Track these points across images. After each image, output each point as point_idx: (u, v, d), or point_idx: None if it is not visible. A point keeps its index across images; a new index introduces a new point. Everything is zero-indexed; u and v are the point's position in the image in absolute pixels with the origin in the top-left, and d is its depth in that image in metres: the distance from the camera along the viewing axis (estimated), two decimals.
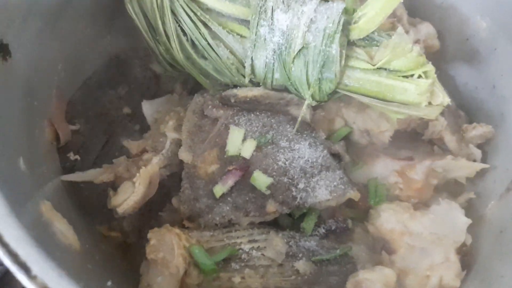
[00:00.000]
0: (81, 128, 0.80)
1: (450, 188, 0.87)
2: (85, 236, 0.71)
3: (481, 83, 0.91)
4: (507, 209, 0.78)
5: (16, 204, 0.48)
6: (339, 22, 0.68)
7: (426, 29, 0.94)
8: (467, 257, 0.76)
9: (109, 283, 0.58)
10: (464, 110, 0.93)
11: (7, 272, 0.78)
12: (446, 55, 0.97)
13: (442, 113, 0.89)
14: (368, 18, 0.67)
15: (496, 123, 0.87)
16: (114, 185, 0.75)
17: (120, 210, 0.71)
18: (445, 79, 0.97)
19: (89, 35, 0.84)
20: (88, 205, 0.75)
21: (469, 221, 0.78)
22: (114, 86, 0.88)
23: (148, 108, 0.83)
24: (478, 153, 0.87)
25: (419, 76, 0.67)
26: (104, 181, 0.73)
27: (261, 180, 0.74)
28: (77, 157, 0.75)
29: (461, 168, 0.84)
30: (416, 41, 0.90)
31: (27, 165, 0.58)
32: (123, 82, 0.89)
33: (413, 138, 0.91)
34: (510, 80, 0.85)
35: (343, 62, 0.69)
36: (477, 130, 0.87)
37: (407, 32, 0.91)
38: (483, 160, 0.87)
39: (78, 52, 0.82)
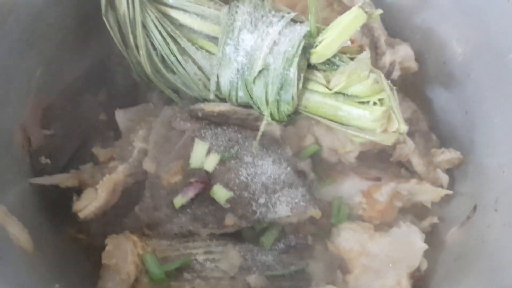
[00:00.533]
0: (56, 132, 0.83)
1: (416, 211, 0.87)
2: (51, 238, 0.75)
3: (455, 107, 0.91)
4: (465, 237, 0.78)
5: None
6: (299, 45, 0.69)
7: (404, 50, 0.93)
8: (420, 282, 0.77)
9: (56, 286, 0.61)
10: (437, 133, 0.93)
11: None
12: (426, 77, 0.97)
13: (413, 136, 0.91)
14: (326, 44, 0.68)
15: (466, 149, 0.87)
16: (78, 191, 0.78)
17: (81, 215, 0.74)
18: (424, 101, 0.98)
19: (71, 42, 0.86)
20: (57, 208, 0.79)
21: (425, 246, 0.78)
22: (95, 92, 0.92)
23: (121, 116, 0.86)
24: (445, 178, 0.87)
25: (374, 103, 0.68)
26: (69, 186, 0.76)
27: (220, 193, 0.77)
28: (48, 161, 0.79)
29: (426, 192, 0.84)
30: (391, 63, 0.91)
31: None
32: (103, 88, 0.93)
33: (384, 158, 0.91)
34: (481, 107, 0.84)
35: (300, 85, 0.70)
36: (445, 155, 0.87)
37: (383, 53, 0.92)
38: (450, 185, 0.87)
39: (58, 58, 0.84)
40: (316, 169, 0.88)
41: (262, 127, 0.74)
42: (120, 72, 0.94)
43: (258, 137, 0.75)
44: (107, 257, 0.70)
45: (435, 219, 0.85)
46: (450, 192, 0.83)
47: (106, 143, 0.86)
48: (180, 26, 0.79)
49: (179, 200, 0.76)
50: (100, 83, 0.93)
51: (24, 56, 0.76)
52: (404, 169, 0.89)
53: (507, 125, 0.78)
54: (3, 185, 0.68)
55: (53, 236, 0.77)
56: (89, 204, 0.74)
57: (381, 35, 0.93)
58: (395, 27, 0.97)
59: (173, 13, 0.79)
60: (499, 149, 0.78)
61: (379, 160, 0.90)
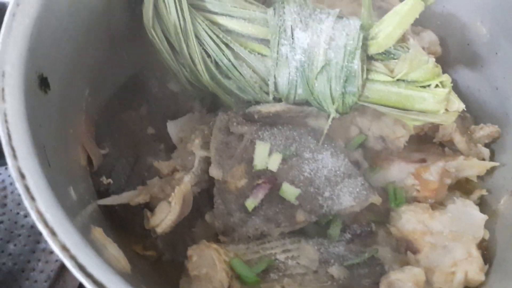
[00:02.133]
0: (109, 151, 0.82)
1: (462, 187, 0.92)
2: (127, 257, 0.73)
3: (483, 85, 0.97)
4: None
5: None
6: (358, 38, 0.72)
7: (429, 37, 0.98)
8: (487, 251, 0.81)
9: None
10: (468, 112, 0.98)
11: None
12: (448, 60, 1.02)
13: None
14: (386, 34, 0.71)
15: (501, 122, 0.92)
16: (148, 206, 0.77)
17: (159, 229, 0.73)
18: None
19: (109, 58, 0.85)
20: (123, 227, 0.77)
21: (485, 216, 0.82)
22: (135, 107, 0.90)
23: (172, 127, 0.86)
24: (486, 152, 0.92)
25: (436, 86, 0.72)
26: (140, 202, 0.75)
27: (290, 191, 0.78)
28: (110, 180, 0.77)
29: (473, 167, 0.89)
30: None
31: (76, 193, 0.60)
32: (144, 103, 0.91)
33: (424, 141, 0.95)
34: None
35: (364, 76, 0.73)
36: (484, 130, 0.92)
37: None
38: (491, 158, 0.92)
39: (100, 76, 0.83)
40: (365, 158, 0.90)
41: (330, 121, 0.76)
42: (155, 84, 0.94)
43: (325, 131, 0.77)
44: (196, 268, 0.69)
45: (483, 192, 0.89)
46: (496, 164, 0.88)
47: (159, 156, 0.85)
48: (228, 31, 0.80)
49: (251, 202, 0.77)
50: (139, 98, 0.92)
51: (77, 74, 0.75)
52: (447, 148, 0.93)
53: None
54: (80, 210, 0.67)
55: (126, 257, 0.75)
56: (165, 218, 0.73)
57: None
58: None
59: (220, 19, 0.80)
60: None
61: (420, 142, 0.94)
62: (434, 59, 0.72)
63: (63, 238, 0.45)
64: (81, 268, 0.44)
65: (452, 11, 0.98)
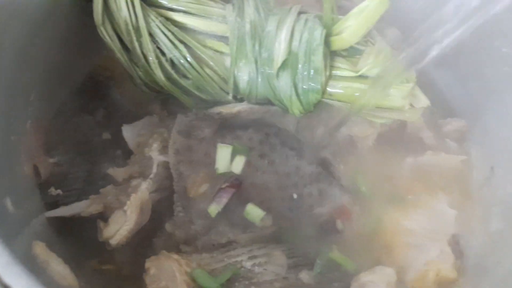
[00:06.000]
0: (60, 159, 0.76)
1: (433, 182, 0.90)
2: (77, 273, 0.67)
3: (450, 80, 0.96)
4: (488, 197, 0.82)
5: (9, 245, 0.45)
6: (321, 34, 0.69)
7: (393, 33, 0.97)
8: (458, 245, 0.79)
9: None
10: (436, 107, 0.97)
11: None
12: None
13: None
14: (351, 31, 0.68)
15: (467, 117, 0.91)
16: (103, 216, 0.72)
17: (113, 241, 0.68)
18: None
19: (61, 61, 0.80)
20: (77, 240, 0.72)
21: (455, 212, 0.81)
22: (91, 111, 0.85)
23: (129, 132, 0.80)
24: (454, 146, 0.90)
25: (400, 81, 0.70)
26: (92, 213, 0.70)
27: (254, 213, 0.74)
28: (59, 191, 0.71)
29: (442, 161, 0.87)
30: None
31: (14, 205, 0.54)
32: (99, 106, 0.86)
33: (393, 138, 0.93)
34: (477, 77, 0.89)
35: (327, 72, 0.70)
36: (452, 125, 0.91)
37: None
38: (460, 152, 0.91)
39: (50, 80, 0.78)
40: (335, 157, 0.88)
41: (292, 120, 0.72)
42: (112, 87, 0.89)
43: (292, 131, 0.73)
44: (154, 281, 0.65)
45: (453, 185, 0.88)
46: (464, 157, 0.86)
47: (116, 163, 0.80)
48: (185, 29, 0.76)
49: (214, 208, 0.73)
50: (95, 101, 0.87)
51: (20, 78, 0.69)
52: (417, 144, 0.91)
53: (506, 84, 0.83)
54: (22, 222, 0.61)
55: (80, 272, 0.70)
56: (120, 228, 0.68)
57: None
58: None
59: (176, 16, 0.75)
60: (505, 111, 0.82)
61: (389, 139, 0.92)
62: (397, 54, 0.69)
63: None
64: None
65: (415, 7, 0.97)
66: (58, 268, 0.53)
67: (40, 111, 0.76)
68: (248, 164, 0.77)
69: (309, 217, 0.79)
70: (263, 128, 0.82)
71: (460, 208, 0.82)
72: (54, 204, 0.72)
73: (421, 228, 0.79)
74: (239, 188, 0.75)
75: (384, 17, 1.00)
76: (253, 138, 0.80)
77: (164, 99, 0.86)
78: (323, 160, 0.85)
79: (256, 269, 0.71)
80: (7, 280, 0.39)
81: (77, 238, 0.71)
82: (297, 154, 0.81)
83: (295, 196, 0.77)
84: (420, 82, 0.97)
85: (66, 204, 0.71)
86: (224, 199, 0.73)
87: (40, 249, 0.52)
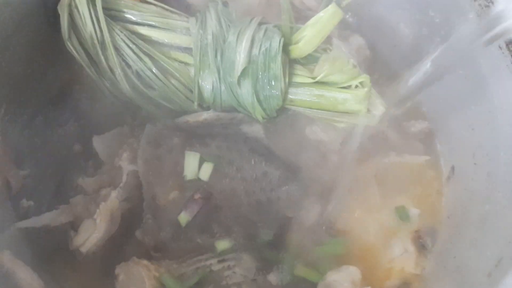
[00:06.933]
0: (31, 171, 0.78)
1: (396, 182, 0.93)
2: (49, 281, 0.69)
3: None
4: (451, 196, 0.85)
5: None
6: (279, 43, 0.72)
7: (356, 41, 1.00)
8: (421, 240, 0.82)
9: None
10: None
11: None
12: (378, 62, 1.05)
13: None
14: (307, 40, 0.72)
15: (431, 118, 0.95)
16: (73, 226, 0.73)
17: (83, 249, 0.70)
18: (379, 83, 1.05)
19: (30, 75, 0.81)
20: (48, 249, 0.73)
21: (418, 211, 0.84)
22: (61, 123, 0.86)
23: (99, 143, 0.82)
24: (419, 147, 0.94)
25: (356, 86, 0.73)
26: (62, 222, 0.71)
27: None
28: (31, 203, 0.73)
29: (406, 162, 0.90)
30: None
31: None
32: (70, 118, 0.88)
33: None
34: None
35: (286, 79, 0.73)
36: (416, 127, 0.94)
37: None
38: (424, 153, 0.94)
39: (20, 92, 0.79)
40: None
41: (257, 125, 0.75)
42: (84, 99, 0.90)
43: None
44: (124, 286, 0.66)
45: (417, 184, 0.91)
46: (427, 157, 0.90)
47: (87, 173, 0.82)
48: (150, 41, 0.78)
49: (185, 218, 0.75)
50: (66, 113, 0.88)
51: None
52: (381, 146, 0.94)
53: (464, 87, 0.86)
54: None
55: (51, 281, 0.71)
56: (89, 237, 0.69)
57: (335, 29, 0.99)
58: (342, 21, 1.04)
59: (140, 29, 0.78)
60: (465, 111, 0.85)
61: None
62: (353, 60, 0.73)
63: None
64: None
65: (378, 15, 1.00)
66: (25, 276, 0.54)
67: (11, 124, 0.78)
68: (216, 171, 0.79)
69: (277, 220, 0.82)
70: (232, 136, 0.84)
71: (423, 206, 0.85)
72: (25, 214, 0.73)
73: (385, 227, 0.82)
74: (209, 199, 0.77)
75: (350, 25, 1.05)
76: (222, 145, 0.82)
77: (135, 111, 0.89)
78: (291, 164, 0.88)
79: (226, 272, 0.73)
80: None
81: (48, 248, 0.72)
82: (265, 160, 0.83)
83: (263, 201, 0.79)
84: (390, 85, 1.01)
85: (37, 214, 0.73)
86: (194, 210, 0.75)
87: (7, 258, 0.54)
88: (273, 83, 0.73)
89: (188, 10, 0.86)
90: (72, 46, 0.76)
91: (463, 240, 0.76)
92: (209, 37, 0.76)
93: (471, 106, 0.86)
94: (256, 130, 0.86)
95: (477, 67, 0.84)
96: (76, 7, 0.75)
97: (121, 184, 0.76)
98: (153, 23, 0.78)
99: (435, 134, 0.94)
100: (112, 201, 0.73)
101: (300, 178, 0.85)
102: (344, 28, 1.02)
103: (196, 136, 0.82)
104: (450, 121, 0.90)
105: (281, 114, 0.80)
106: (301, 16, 0.97)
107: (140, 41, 0.77)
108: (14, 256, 0.56)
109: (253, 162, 0.83)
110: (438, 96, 0.94)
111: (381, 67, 1.04)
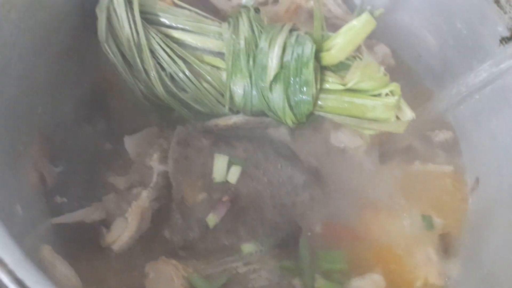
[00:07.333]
0: (64, 168, 0.80)
1: (420, 191, 0.94)
2: (83, 277, 0.70)
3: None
4: (475, 206, 0.86)
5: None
6: (311, 50, 0.74)
7: (382, 50, 1.02)
8: (445, 244, 0.82)
9: None
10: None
11: None
12: (402, 71, 1.06)
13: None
14: (339, 48, 0.73)
15: (455, 129, 0.96)
16: (105, 223, 0.75)
17: (115, 246, 0.71)
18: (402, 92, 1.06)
19: (66, 75, 0.84)
20: (80, 245, 0.75)
21: (442, 220, 0.84)
22: (92, 122, 0.88)
23: (130, 142, 0.84)
24: (443, 156, 0.94)
25: (386, 95, 0.74)
26: (95, 219, 0.73)
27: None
28: (64, 199, 0.75)
29: (430, 171, 0.91)
30: None
31: (23, 211, 0.58)
32: (101, 118, 0.89)
33: (382, 148, 0.97)
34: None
35: (318, 86, 0.74)
36: (439, 137, 0.95)
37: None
38: (449, 162, 0.95)
39: (55, 91, 0.81)
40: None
41: (285, 130, 0.76)
42: (113, 99, 0.92)
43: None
44: (153, 285, 0.68)
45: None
46: (451, 167, 0.90)
47: (116, 172, 0.83)
48: (183, 45, 0.80)
49: (213, 219, 0.76)
50: (96, 113, 0.90)
51: (28, 93, 0.73)
52: (406, 154, 0.95)
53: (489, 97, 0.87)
54: (30, 226, 0.64)
55: (84, 276, 0.73)
56: (121, 235, 0.71)
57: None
58: None
59: (175, 33, 0.80)
60: (490, 121, 0.86)
61: (381, 150, 0.96)
62: (383, 68, 0.74)
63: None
64: (19, 282, 0.42)
65: (403, 24, 1.02)
66: (65, 270, 0.56)
67: (47, 122, 0.80)
68: (243, 173, 0.81)
69: (301, 224, 0.83)
70: (258, 139, 0.85)
71: (447, 216, 0.86)
72: (59, 211, 0.75)
73: (409, 236, 0.83)
74: (236, 201, 0.78)
75: (374, 33, 1.06)
76: (248, 148, 0.84)
77: (164, 111, 0.90)
78: (316, 169, 0.89)
79: (251, 275, 0.75)
80: (20, 275, 0.42)
81: (80, 244, 0.74)
82: (291, 164, 0.85)
83: (288, 204, 0.80)
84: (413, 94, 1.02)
85: (70, 211, 0.75)
86: (222, 212, 0.76)
87: (47, 252, 0.55)
88: (304, 89, 0.74)
89: (217, 15, 0.88)
90: (109, 48, 0.78)
91: (487, 251, 0.77)
92: (242, 42, 0.78)
93: (496, 116, 0.87)
94: (282, 133, 0.88)
95: (503, 78, 0.85)
96: (114, 10, 0.77)
97: (152, 184, 0.78)
98: (187, 27, 0.80)
99: (459, 144, 0.95)
100: (143, 200, 0.75)
101: (324, 183, 0.86)
102: (368, 37, 1.04)
103: (224, 139, 0.84)
104: (475, 131, 0.91)
105: (309, 119, 0.81)
106: (328, 24, 0.99)
107: (174, 44, 0.79)
108: (53, 251, 0.57)
109: (279, 166, 0.84)
110: (463, 106, 0.95)
111: (404, 76, 1.06)
